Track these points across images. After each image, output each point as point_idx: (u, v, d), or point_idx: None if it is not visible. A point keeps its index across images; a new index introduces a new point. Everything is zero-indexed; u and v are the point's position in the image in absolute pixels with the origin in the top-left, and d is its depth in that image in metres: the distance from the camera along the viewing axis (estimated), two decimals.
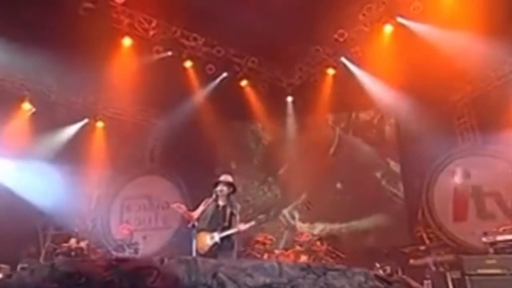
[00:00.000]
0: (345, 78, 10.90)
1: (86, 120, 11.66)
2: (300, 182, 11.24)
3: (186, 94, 11.20)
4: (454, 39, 8.94)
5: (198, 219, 5.22)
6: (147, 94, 10.74)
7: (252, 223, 5.10)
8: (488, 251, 6.82)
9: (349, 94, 11.02)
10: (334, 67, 11.19)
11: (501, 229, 7.08)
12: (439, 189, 10.50)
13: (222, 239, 4.97)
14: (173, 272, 2.80)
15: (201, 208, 5.31)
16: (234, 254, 5.15)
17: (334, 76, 11.25)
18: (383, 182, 11.23)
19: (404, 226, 10.63)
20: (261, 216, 5.21)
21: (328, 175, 11.39)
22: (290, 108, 12.18)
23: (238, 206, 5.28)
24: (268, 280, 2.81)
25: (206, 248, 4.96)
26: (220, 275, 2.76)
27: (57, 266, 2.91)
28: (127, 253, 8.70)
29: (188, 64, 10.83)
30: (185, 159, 11.48)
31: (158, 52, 10.45)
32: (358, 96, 10.88)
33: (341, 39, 10.45)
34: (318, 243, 8.69)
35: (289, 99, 12.21)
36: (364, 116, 12.06)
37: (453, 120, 10.94)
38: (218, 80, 11.25)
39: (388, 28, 9.77)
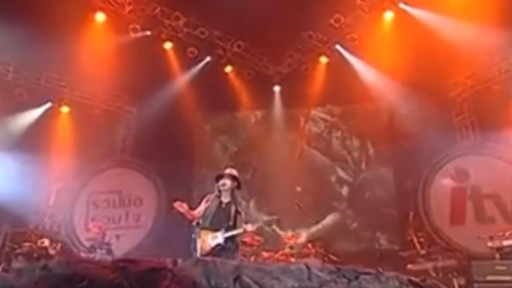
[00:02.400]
0: (339, 68, 10.91)
1: (49, 104, 11.24)
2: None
3: (164, 79, 11.00)
4: (458, 29, 9.08)
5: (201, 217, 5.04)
6: (120, 78, 10.48)
7: (260, 224, 4.97)
8: (493, 256, 6.94)
9: (343, 85, 10.99)
10: (328, 55, 11.18)
11: (507, 233, 7.20)
12: (435, 190, 10.65)
13: (225, 240, 4.84)
14: (190, 275, 2.67)
15: (203, 205, 5.16)
16: (238, 257, 5.03)
17: (327, 65, 11.24)
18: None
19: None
20: (270, 217, 5.03)
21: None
22: (277, 99, 12.08)
23: (244, 203, 5.13)
24: (297, 284, 2.73)
25: (208, 249, 4.82)
26: (245, 278, 2.65)
27: (51, 267, 2.72)
28: (99, 254, 8.42)
29: (167, 45, 10.64)
30: (162, 152, 11.21)
31: (134, 30, 10.20)
32: (352, 87, 10.91)
33: (337, 25, 10.45)
34: (310, 245, 8.67)
35: (277, 88, 12.13)
36: (356, 109, 12.10)
37: (451, 117, 11.11)
38: (200, 65, 11.09)
39: (388, 15, 9.83)
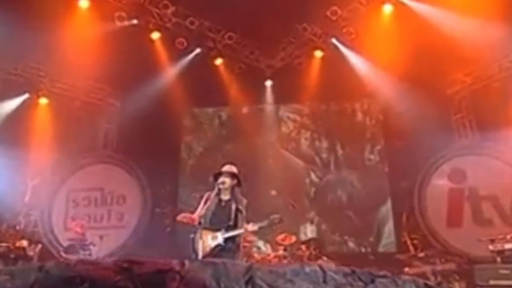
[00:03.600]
0: (335, 63, 10.90)
1: (26, 95, 11.04)
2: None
3: (151, 71, 10.86)
4: (459, 23, 9.13)
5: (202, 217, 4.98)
6: (104, 69, 10.33)
7: (264, 223, 4.93)
8: (494, 260, 7.00)
9: (338, 80, 11.00)
10: (323, 49, 11.17)
11: (508, 236, 7.28)
12: (432, 191, 10.77)
13: (225, 240, 4.78)
14: (198, 277, 2.62)
15: (202, 204, 5.11)
16: (239, 258, 4.97)
17: (322, 59, 11.23)
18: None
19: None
20: (275, 216, 4.98)
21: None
22: (269, 95, 12.04)
23: (244, 201, 5.08)
24: (311, 287, 2.69)
25: (207, 250, 4.75)
26: (258, 281, 2.60)
27: (49, 269, 2.64)
28: (82, 255, 8.28)
29: (155, 36, 10.50)
30: (146, 148, 11.11)
31: (120, 19, 10.02)
32: (348, 83, 10.92)
33: (333, 18, 10.45)
34: (304, 247, 8.67)
35: (268, 83, 12.07)
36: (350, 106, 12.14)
37: (449, 115, 11.21)
38: (189, 57, 10.98)
39: (387, 8, 9.85)
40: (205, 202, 5.04)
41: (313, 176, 11.67)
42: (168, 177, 11.59)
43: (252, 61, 11.81)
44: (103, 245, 9.27)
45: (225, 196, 5.13)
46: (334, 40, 10.85)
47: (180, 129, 12.19)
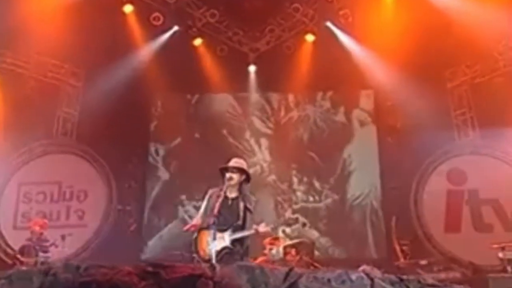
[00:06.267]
0: (328, 49, 10.92)
1: None
2: None
3: (120, 49, 10.66)
4: (465, 9, 9.31)
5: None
6: (65, 44, 10.08)
7: (276, 224, 4.86)
8: (504, 269, 7.14)
9: (330, 68, 11.01)
10: (315, 33, 11.16)
11: None
12: (429, 193, 10.92)
13: (233, 242, 4.68)
14: (234, 284, 2.53)
15: (205, 203, 5.03)
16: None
17: (314, 44, 11.21)
18: None
19: None
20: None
21: None
22: (252, 81, 11.93)
23: (253, 199, 4.99)
24: None
25: (212, 253, 4.64)
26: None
27: (55, 273, 2.49)
28: (42, 257, 8.01)
29: (127, 9, 10.32)
30: (112, 136, 10.89)
31: None
32: (341, 71, 10.96)
33: None
34: (293, 251, 8.66)
35: (252, 68, 11.96)
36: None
37: (449, 111, 11.37)
38: (166, 35, 10.84)
39: None
40: (208, 200, 4.95)
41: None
42: (137, 170, 11.36)
43: (235, 43, 11.68)
44: (64, 247, 9.01)
45: (232, 194, 5.07)
46: (328, 24, 10.88)
47: (151, 116, 11.91)
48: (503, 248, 7.37)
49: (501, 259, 7.31)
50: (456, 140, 11.24)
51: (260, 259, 8.48)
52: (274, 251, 8.59)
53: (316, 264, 8.70)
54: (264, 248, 8.67)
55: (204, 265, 2.60)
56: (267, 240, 8.64)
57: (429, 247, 10.42)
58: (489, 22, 9.19)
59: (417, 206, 10.90)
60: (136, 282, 2.39)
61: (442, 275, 8.03)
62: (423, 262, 8.58)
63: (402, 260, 10.21)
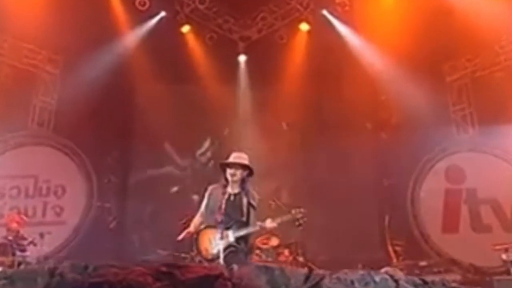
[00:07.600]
0: (323, 38, 10.92)
1: None
2: None
3: (103, 35, 10.55)
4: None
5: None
6: (43, 28, 9.95)
7: (284, 218, 4.84)
8: (507, 270, 7.20)
9: (325, 59, 11.01)
10: (309, 22, 11.15)
11: None
12: (426, 191, 11.02)
13: (237, 239, 4.66)
14: (254, 284, 2.51)
15: (205, 200, 5.00)
16: (251, 261, 4.89)
17: (308, 33, 11.20)
18: None
19: None
20: (297, 210, 4.89)
21: None
22: (242, 72, 11.88)
23: (256, 196, 4.96)
24: None
25: (215, 252, 4.61)
26: None
27: (61, 273, 2.43)
28: (20, 257, 7.90)
29: None
30: (92, 128, 10.91)
31: None
32: (337, 62, 10.97)
33: None
34: (287, 252, 8.69)
35: (242, 58, 11.92)
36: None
37: (447, 106, 11.45)
38: (152, 22, 10.79)
39: None
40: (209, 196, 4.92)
41: None
42: (118, 164, 11.28)
43: (225, 31, 11.62)
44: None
45: (234, 190, 5.06)
46: (324, 12, 10.88)
47: (134, 107, 11.82)
48: (506, 250, 7.46)
49: (504, 261, 7.39)
50: (454, 136, 11.31)
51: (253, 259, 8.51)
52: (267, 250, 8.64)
53: (311, 265, 8.74)
54: (257, 248, 8.69)
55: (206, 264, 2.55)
56: (259, 239, 8.66)
57: (426, 248, 10.52)
58: (490, 14, 9.28)
59: (413, 205, 10.99)
60: (151, 283, 2.35)
61: (443, 277, 8.11)
62: (423, 263, 8.67)
63: (394, 261, 10.34)
